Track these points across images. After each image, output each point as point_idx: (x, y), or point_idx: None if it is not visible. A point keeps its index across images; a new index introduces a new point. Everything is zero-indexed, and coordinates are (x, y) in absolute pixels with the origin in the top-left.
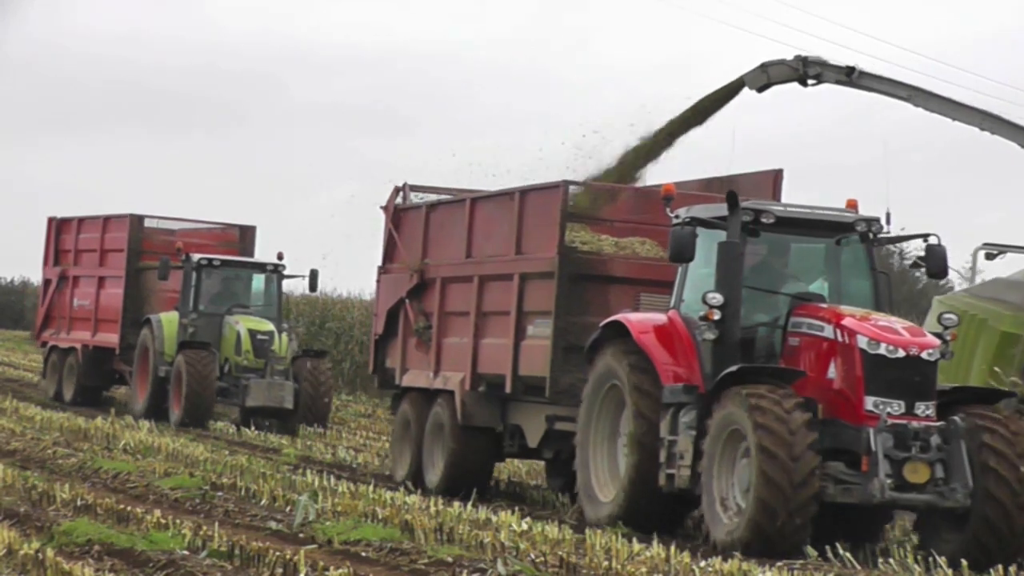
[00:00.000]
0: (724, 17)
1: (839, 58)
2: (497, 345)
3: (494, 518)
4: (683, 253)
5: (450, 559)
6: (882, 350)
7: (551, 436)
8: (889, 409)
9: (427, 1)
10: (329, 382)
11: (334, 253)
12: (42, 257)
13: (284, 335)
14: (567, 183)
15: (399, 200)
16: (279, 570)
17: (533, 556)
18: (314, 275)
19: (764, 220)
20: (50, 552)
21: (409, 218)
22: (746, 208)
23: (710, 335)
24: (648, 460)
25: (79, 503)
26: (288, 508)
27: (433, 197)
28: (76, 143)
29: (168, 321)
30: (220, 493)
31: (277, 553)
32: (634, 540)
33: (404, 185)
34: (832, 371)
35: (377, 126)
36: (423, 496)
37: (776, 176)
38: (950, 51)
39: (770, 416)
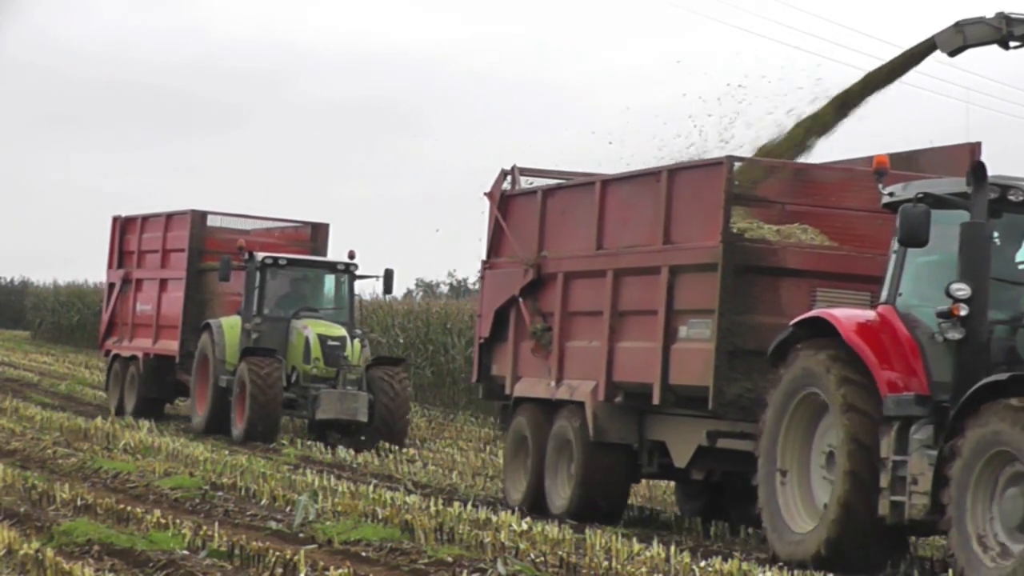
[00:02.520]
0: (724, 17)
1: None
2: (639, 350)
3: (494, 518)
4: (917, 236)
5: (450, 559)
6: None
7: (703, 454)
8: None
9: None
10: (407, 393)
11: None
12: (106, 259)
13: (356, 341)
14: (731, 159)
15: (506, 185)
16: (279, 570)
17: (533, 556)
18: (389, 275)
19: (1012, 198)
20: (50, 552)
21: (520, 205)
22: (992, 183)
23: (955, 334)
24: (862, 486)
25: (79, 503)
26: (288, 508)
27: (543, 182)
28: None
29: (230, 326)
30: (220, 493)
31: (277, 553)
32: (634, 540)
33: (513, 168)
34: None
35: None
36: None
37: (973, 150)
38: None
39: None
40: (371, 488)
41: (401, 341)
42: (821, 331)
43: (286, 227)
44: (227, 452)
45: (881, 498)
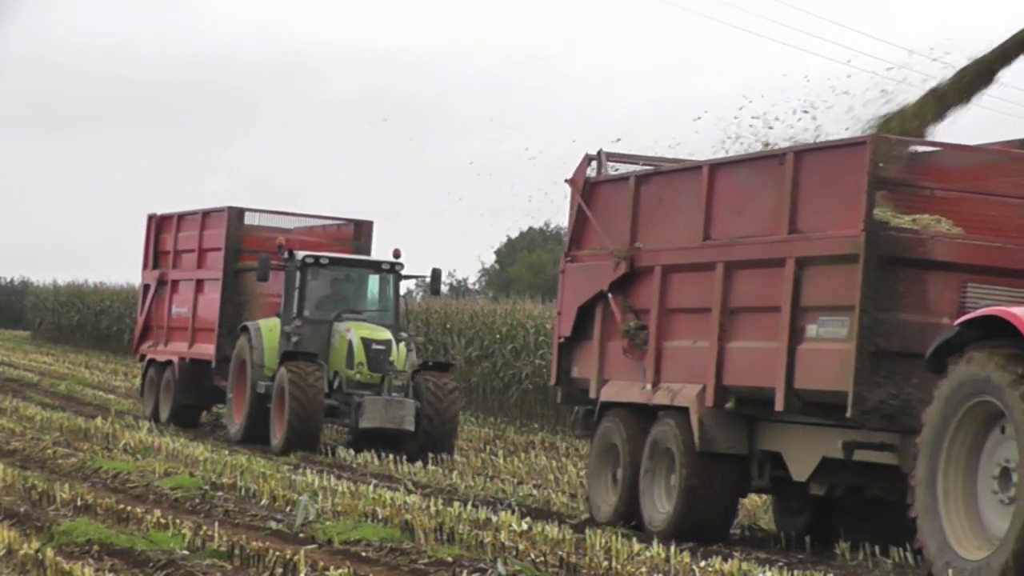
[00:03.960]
0: (724, 17)
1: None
2: (756, 350)
3: (494, 518)
4: None
5: (450, 559)
6: None
7: (828, 467)
8: None
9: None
10: (456, 400)
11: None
12: (141, 259)
13: (402, 345)
14: (877, 138)
15: (591, 171)
16: (279, 570)
17: (533, 556)
18: (436, 275)
19: None
20: (50, 552)
21: (609, 193)
22: None
23: None
24: None
25: (79, 503)
26: (288, 508)
27: (630, 168)
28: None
29: (268, 329)
30: (220, 493)
31: (277, 553)
32: (634, 540)
33: (599, 153)
34: None
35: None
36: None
37: None
38: (950, 51)
39: None
40: (371, 488)
41: None
42: (991, 332)
43: (328, 225)
44: (227, 452)
45: None
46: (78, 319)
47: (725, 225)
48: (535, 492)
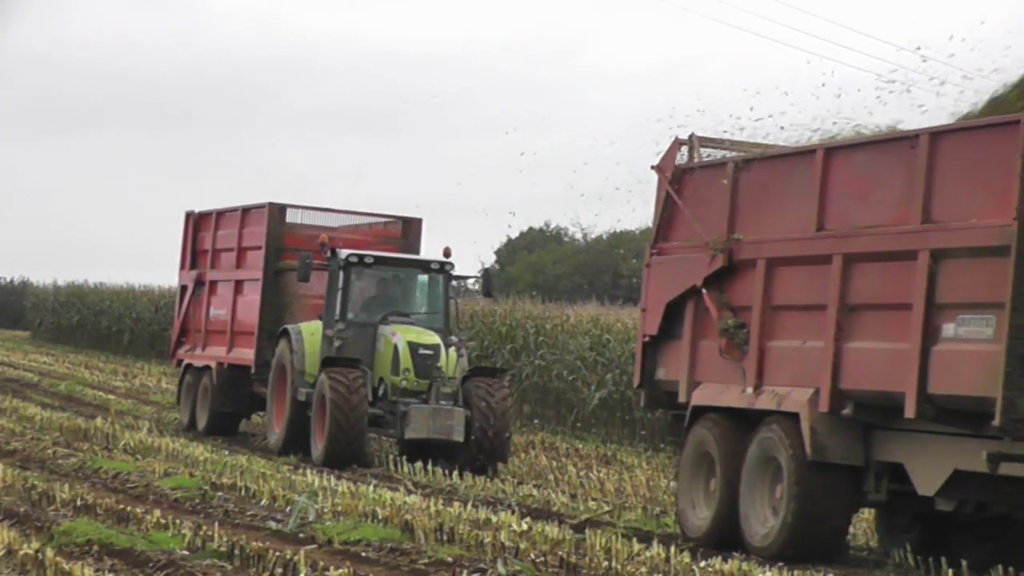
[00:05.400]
0: (723, 17)
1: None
2: (882, 351)
3: (494, 518)
4: None
5: (450, 559)
6: None
7: (959, 481)
8: None
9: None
10: (508, 408)
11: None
12: (179, 259)
13: (452, 350)
14: None
15: (680, 158)
16: (279, 570)
17: (533, 556)
18: (488, 276)
19: None
20: (50, 552)
21: (703, 180)
22: None
23: None
24: None
25: (79, 503)
26: (288, 508)
27: (721, 154)
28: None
29: (310, 333)
30: (220, 493)
31: (277, 553)
32: (634, 540)
33: (691, 138)
34: None
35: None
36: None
37: None
38: (950, 51)
39: None
40: (371, 488)
41: None
42: None
43: (374, 222)
44: (227, 452)
45: None
46: (78, 319)
47: (843, 214)
48: (535, 492)
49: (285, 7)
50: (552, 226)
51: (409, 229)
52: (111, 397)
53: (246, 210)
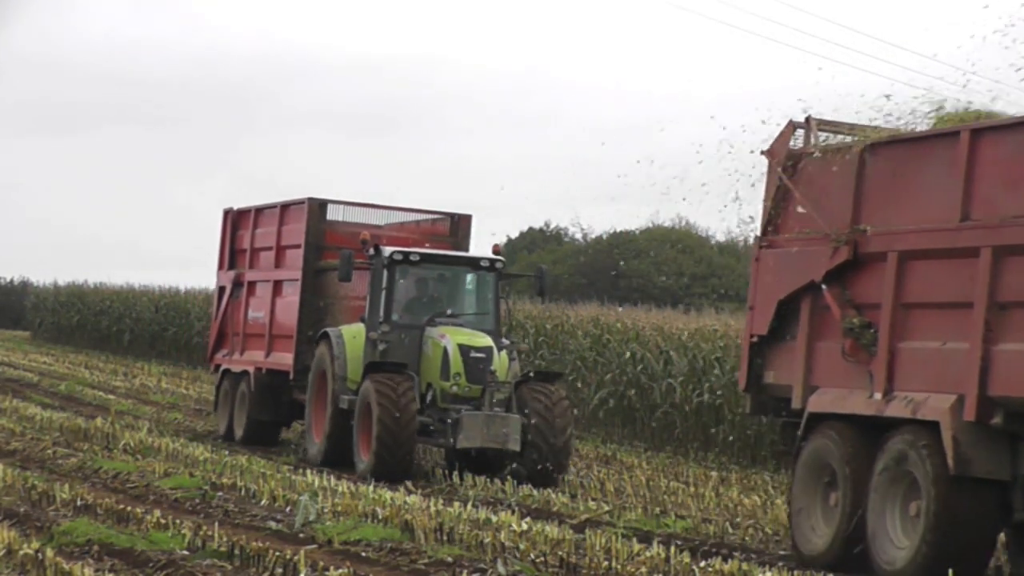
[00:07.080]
0: (724, 17)
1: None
2: None
3: (494, 518)
4: None
5: (450, 559)
6: None
7: None
8: None
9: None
10: (567, 413)
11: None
12: (217, 259)
13: (504, 353)
14: None
15: (795, 142)
16: (279, 570)
17: (533, 556)
18: (542, 275)
19: None
20: (50, 552)
21: (822, 166)
22: None
23: None
24: None
25: (79, 503)
26: (288, 508)
27: (839, 139)
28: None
29: (351, 336)
30: (220, 493)
31: (277, 553)
32: (634, 540)
33: (807, 120)
34: None
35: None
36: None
37: None
38: (952, 52)
39: None
40: (371, 488)
41: None
42: None
43: (421, 219)
44: (227, 452)
45: None
46: (78, 319)
47: (992, 203)
48: (535, 492)
49: (285, 7)
50: (552, 226)
51: (458, 226)
52: (111, 397)
53: (285, 206)
